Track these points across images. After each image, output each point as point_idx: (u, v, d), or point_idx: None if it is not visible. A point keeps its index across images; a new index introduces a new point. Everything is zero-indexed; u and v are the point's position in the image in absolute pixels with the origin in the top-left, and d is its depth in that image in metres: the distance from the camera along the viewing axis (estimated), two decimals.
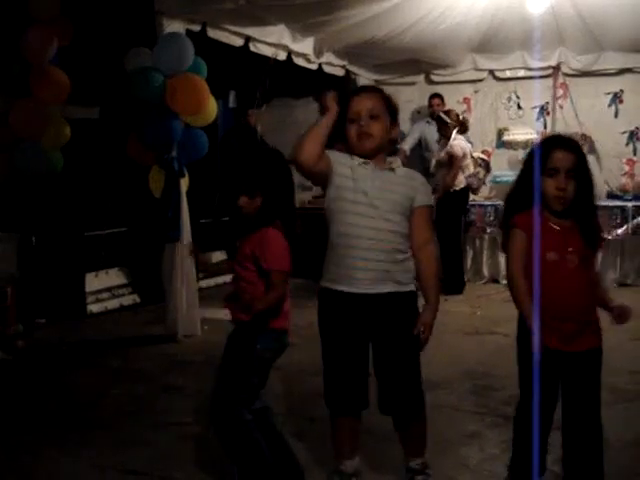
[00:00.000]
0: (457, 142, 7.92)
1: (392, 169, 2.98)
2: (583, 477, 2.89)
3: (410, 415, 3.06)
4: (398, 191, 2.95)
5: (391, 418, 3.11)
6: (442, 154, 7.94)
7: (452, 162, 7.82)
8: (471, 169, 8.14)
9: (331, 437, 3.20)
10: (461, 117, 8.26)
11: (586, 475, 2.88)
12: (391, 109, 3.02)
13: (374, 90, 3.07)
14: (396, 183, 2.96)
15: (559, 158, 2.77)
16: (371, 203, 2.91)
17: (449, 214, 7.78)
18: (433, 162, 8.21)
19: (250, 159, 3.14)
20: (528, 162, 2.88)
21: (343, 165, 2.96)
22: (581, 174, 2.79)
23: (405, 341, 2.96)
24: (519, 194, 2.87)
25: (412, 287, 3.00)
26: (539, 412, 2.83)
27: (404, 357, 2.97)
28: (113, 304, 7.22)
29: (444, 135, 7.97)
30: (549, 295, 2.76)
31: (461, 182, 7.92)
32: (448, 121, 7.94)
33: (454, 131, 7.95)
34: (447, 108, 8.58)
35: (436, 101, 9.00)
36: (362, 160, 2.97)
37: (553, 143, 2.84)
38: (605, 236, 2.98)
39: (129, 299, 7.41)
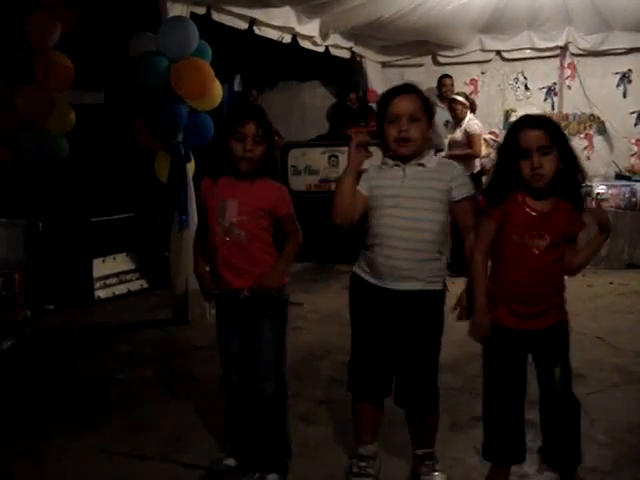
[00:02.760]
0: (473, 122, 7.93)
1: (421, 164, 2.94)
2: (561, 454, 2.95)
3: (423, 410, 3.07)
4: (427, 186, 2.91)
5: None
6: (457, 134, 7.91)
7: (471, 141, 7.80)
8: (484, 151, 8.14)
9: (353, 422, 3.20)
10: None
11: (564, 451, 2.93)
12: (428, 110, 2.98)
13: (414, 90, 2.98)
14: (425, 178, 2.92)
15: (527, 138, 2.71)
16: (399, 203, 2.91)
17: None
18: (446, 142, 8.18)
19: (255, 110, 3.13)
20: (500, 147, 2.88)
21: (376, 181, 2.97)
22: (559, 149, 2.72)
23: (426, 339, 2.97)
24: (497, 182, 2.84)
25: (439, 286, 2.98)
26: (504, 391, 2.90)
27: (424, 354, 2.99)
28: (120, 289, 7.22)
29: (457, 116, 7.94)
30: (511, 277, 2.80)
31: (476, 166, 7.90)
32: (462, 100, 7.93)
33: (468, 111, 7.95)
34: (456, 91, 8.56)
35: (449, 81, 8.93)
36: (393, 162, 2.96)
37: (519, 124, 2.78)
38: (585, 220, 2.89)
39: (136, 284, 7.41)
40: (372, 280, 2.99)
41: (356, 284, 3.07)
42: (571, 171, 2.76)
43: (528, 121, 2.77)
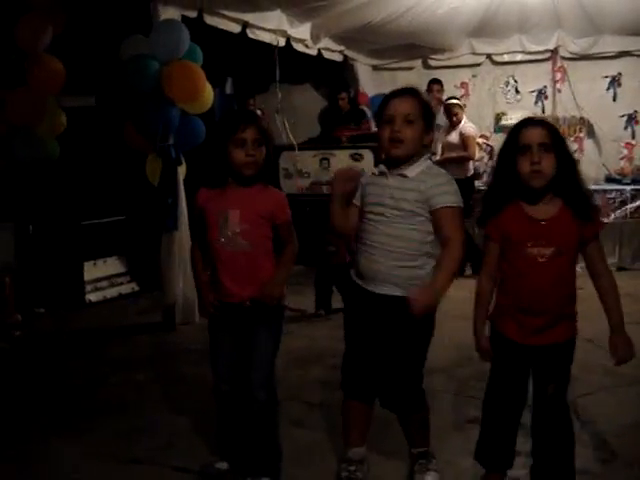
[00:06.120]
0: (468, 124, 8.00)
1: (404, 175, 2.92)
2: (551, 474, 2.85)
3: (407, 411, 3.08)
4: (407, 197, 2.89)
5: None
6: (452, 136, 7.94)
7: (466, 143, 7.84)
8: (477, 154, 8.21)
9: (342, 422, 3.20)
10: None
11: (553, 472, 2.84)
12: (427, 115, 2.95)
13: (412, 93, 2.97)
14: (406, 189, 2.90)
15: (528, 134, 2.67)
16: (380, 212, 2.93)
17: None
18: (439, 145, 8.20)
19: (252, 114, 3.14)
20: (499, 152, 2.82)
21: (365, 188, 3.02)
22: (558, 150, 2.67)
23: (407, 344, 2.97)
24: (495, 187, 2.80)
25: None
26: (501, 401, 2.86)
27: (404, 359, 2.98)
28: (112, 293, 7.21)
29: (453, 120, 7.97)
30: (516, 287, 2.74)
31: (470, 170, 7.94)
32: (460, 103, 8.03)
33: (464, 115, 8.03)
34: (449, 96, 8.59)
35: (436, 87, 8.93)
36: (380, 170, 2.98)
37: (521, 124, 2.75)
38: (604, 220, 2.80)
39: (128, 287, 7.40)
40: (360, 283, 3.03)
41: (351, 287, 3.11)
42: (571, 175, 2.70)
43: (529, 120, 2.76)
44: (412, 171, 2.92)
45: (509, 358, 2.80)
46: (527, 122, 2.75)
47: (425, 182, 2.89)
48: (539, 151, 2.64)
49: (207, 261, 3.14)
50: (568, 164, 2.70)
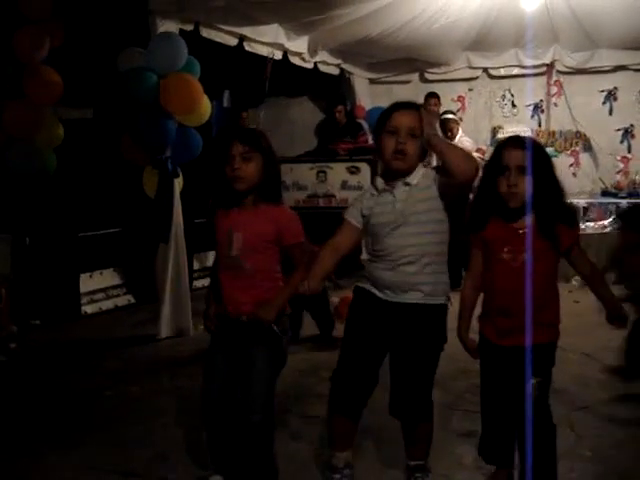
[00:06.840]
0: (464, 138, 8.02)
1: (407, 183, 2.95)
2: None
3: (417, 420, 3.08)
4: (418, 209, 2.93)
5: (395, 421, 3.13)
6: None
7: None
8: None
9: (327, 428, 3.22)
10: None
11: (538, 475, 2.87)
12: None
13: (415, 108, 3.01)
14: (413, 196, 2.93)
15: (508, 155, 2.80)
16: (397, 226, 2.93)
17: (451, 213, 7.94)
18: (434, 161, 8.21)
19: (239, 129, 3.12)
20: (486, 164, 2.95)
21: (371, 208, 3.01)
22: (538, 171, 2.77)
23: (425, 350, 2.99)
24: (479, 202, 2.94)
25: (441, 300, 2.99)
26: (489, 402, 2.98)
27: (421, 365, 3.00)
28: (108, 305, 7.20)
29: (448, 135, 8.00)
30: (493, 290, 2.88)
31: None
32: (456, 118, 8.06)
33: (460, 128, 8.05)
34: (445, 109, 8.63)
35: (433, 101, 8.97)
36: (380, 187, 3.00)
37: (504, 143, 2.87)
38: (579, 230, 2.93)
39: (124, 300, 7.39)
40: (377, 293, 3.00)
41: (358, 296, 3.09)
42: (549, 195, 2.80)
43: (513, 141, 2.86)
44: (413, 179, 2.96)
45: (489, 358, 2.94)
46: (509, 142, 2.86)
47: (429, 178, 2.96)
48: (516, 173, 2.77)
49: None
50: (548, 185, 2.80)
